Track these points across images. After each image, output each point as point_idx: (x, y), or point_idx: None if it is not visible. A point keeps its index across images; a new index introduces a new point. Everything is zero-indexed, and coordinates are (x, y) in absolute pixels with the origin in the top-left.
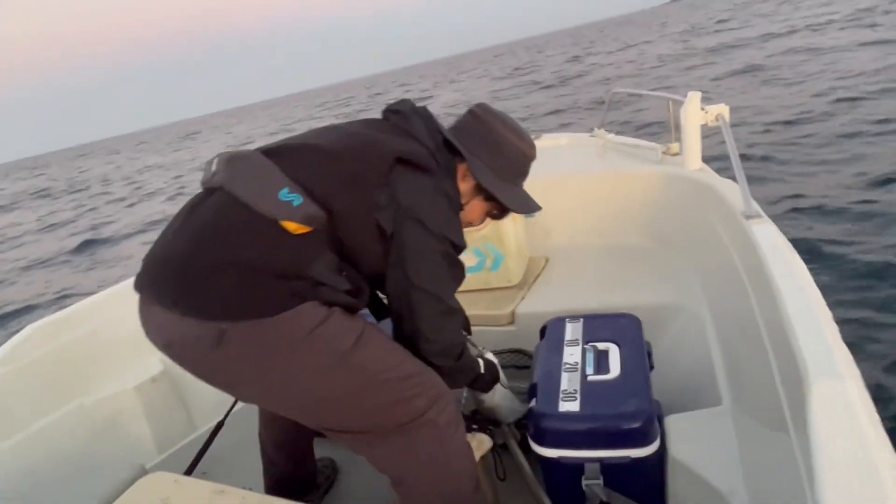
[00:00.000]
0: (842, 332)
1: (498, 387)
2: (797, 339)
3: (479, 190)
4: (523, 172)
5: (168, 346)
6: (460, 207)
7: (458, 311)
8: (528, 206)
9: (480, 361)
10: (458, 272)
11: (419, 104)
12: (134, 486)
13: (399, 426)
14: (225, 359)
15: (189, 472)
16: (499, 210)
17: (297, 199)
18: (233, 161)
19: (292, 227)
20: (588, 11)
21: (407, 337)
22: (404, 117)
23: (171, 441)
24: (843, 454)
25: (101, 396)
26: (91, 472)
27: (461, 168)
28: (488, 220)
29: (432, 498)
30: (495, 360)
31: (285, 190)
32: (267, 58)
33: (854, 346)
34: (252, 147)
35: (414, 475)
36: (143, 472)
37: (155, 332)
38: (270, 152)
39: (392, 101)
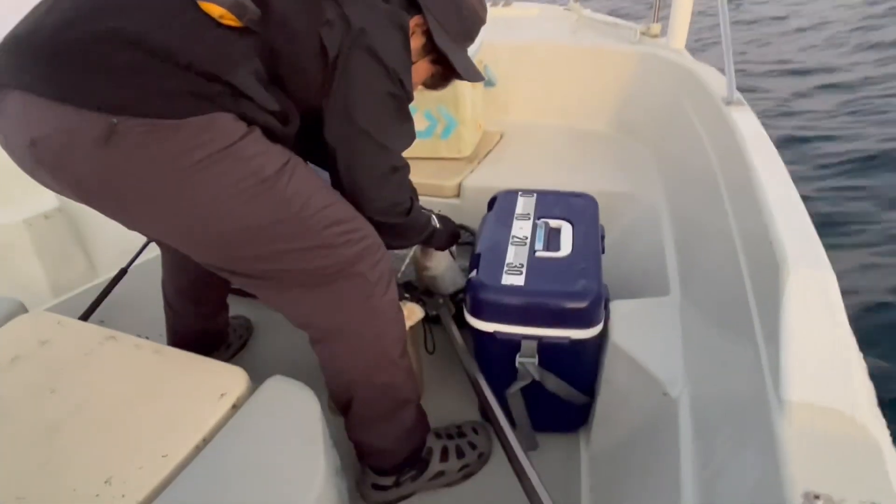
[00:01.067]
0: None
1: (447, 254)
2: (776, 226)
3: (428, 51)
4: (472, 36)
5: (35, 142)
6: (410, 52)
7: (404, 168)
8: (477, 75)
9: (434, 218)
10: (409, 128)
11: None
12: (7, 325)
13: (323, 276)
14: (112, 162)
15: (84, 317)
16: (442, 77)
17: None
18: None
19: (216, 12)
20: None
21: (345, 193)
22: None
23: (67, 287)
24: (815, 344)
25: None
26: None
27: (412, 22)
28: (420, 87)
29: (354, 357)
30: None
31: None
32: None
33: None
34: None
35: (335, 333)
36: (23, 310)
37: (15, 127)
38: None
39: None
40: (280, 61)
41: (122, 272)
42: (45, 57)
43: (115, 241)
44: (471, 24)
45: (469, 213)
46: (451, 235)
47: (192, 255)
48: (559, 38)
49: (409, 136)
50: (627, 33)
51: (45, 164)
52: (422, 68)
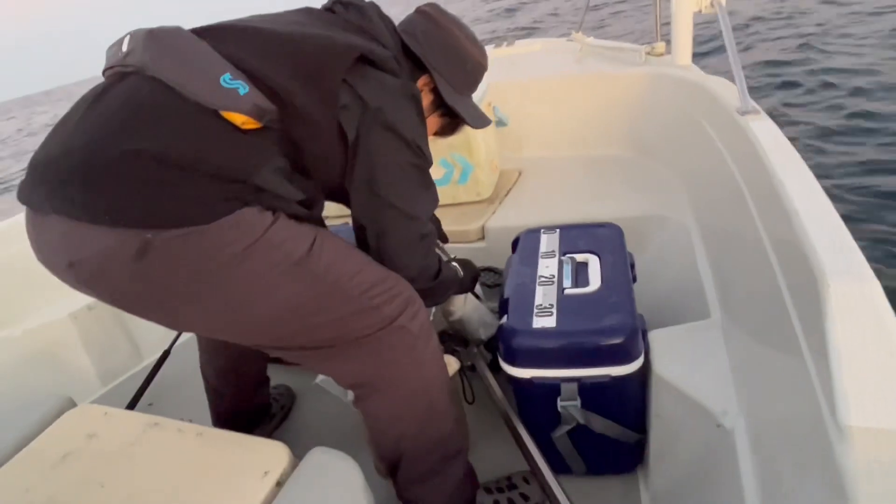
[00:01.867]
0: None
1: (470, 297)
2: (808, 237)
3: (437, 106)
4: (476, 84)
5: (73, 264)
6: (425, 118)
7: (432, 234)
8: (483, 121)
9: (456, 265)
10: (432, 193)
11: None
12: (57, 422)
13: (367, 336)
14: (151, 274)
15: (132, 405)
16: (451, 126)
17: (242, 87)
18: (154, 38)
19: (238, 119)
20: None
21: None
22: (362, 13)
23: (115, 374)
24: (869, 362)
25: (32, 327)
26: (18, 408)
27: (420, 82)
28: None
29: (402, 411)
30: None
31: (227, 75)
32: None
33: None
34: None
35: (383, 386)
36: (72, 405)
37: (53, 250)
38: (201, 32)
39: None
40: (303, 151)
41: (166, 354)
42: (78, 182)
43: (156, 324)
44: (474, 74)
45: (495, 255)
46: (473, 278)
47: (236, 341)
48: (565, 69)
49: (434, 202)
50: (633, 55)
51: (84, 283)
52: (433, 122)
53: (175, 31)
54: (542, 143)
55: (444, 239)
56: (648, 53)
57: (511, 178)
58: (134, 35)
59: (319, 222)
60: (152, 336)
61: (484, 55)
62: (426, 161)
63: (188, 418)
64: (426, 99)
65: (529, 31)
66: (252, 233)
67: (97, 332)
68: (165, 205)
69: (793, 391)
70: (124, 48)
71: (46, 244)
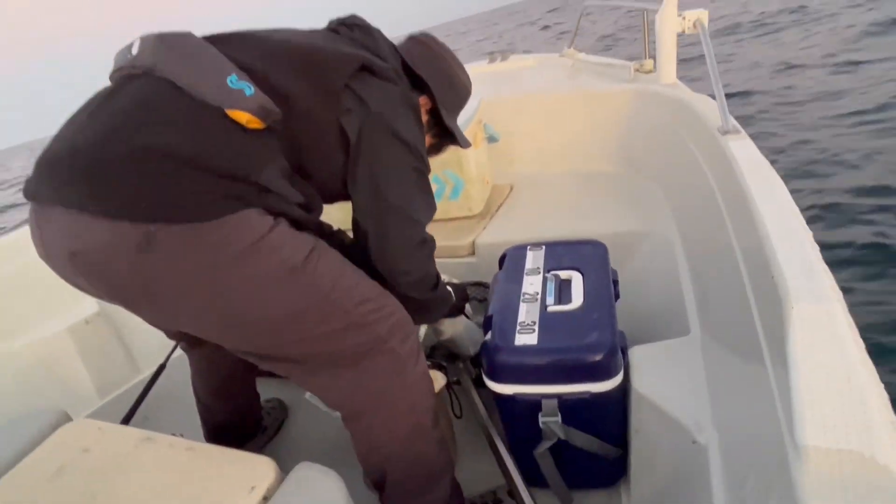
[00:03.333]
0: (823, 255)
1: (461, 316)
2: (776, 258)
3: (430, 126)
4: (462, 107)
5: (76, 254)
6: (423, 127)
7: (432, 241)
8: (467, 142)
9: (449, 288)
10: (432, 199)
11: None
12: (52, 436)
13: (355, 354)
14: (151, 267)
15: (128, 419)
16: (436, 148)
17: (248, 88)
18: (164, 41)
19: (244, 118)
20: None
21: (376, 268)
22: (366, 32)
23: (113, 386)
24: (826, 384)
25: (30, 340)
26: (17, 422)
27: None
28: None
29: (389, 433)
30: (457, 282)
31: (233, 76)
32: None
33: (836, 270)
34: None
35: (370, 409)
36: (67, 419)
37: (55, 241)
38: (211, 39)
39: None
40: (304, 153)
41: (161, 368)
42: (85, 175)
43: (153, 337)
44: (463, 97)
45: (485, 270)
46: (462, 299)
47: (226, 345)
48: (556, 86)
49: (433, 208)
50: (622, 72)
51: (84, 273)
52: (426, 142)
53: (185, 35)
54: (534, 158)
55: (465, 291)
56: (637, 70)
57: (503, 193)
58: (144, 38)
59: (318, 230)
60: (149, 348)
61: (470, 81)
62: (426, 166)
63: (181, 433)
64: (422, 118)
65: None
66: (252, 234)
67: (94, 346)
68: (170, 199)
69: (759, 409)
70: (134, 51)
71: (50, 236)
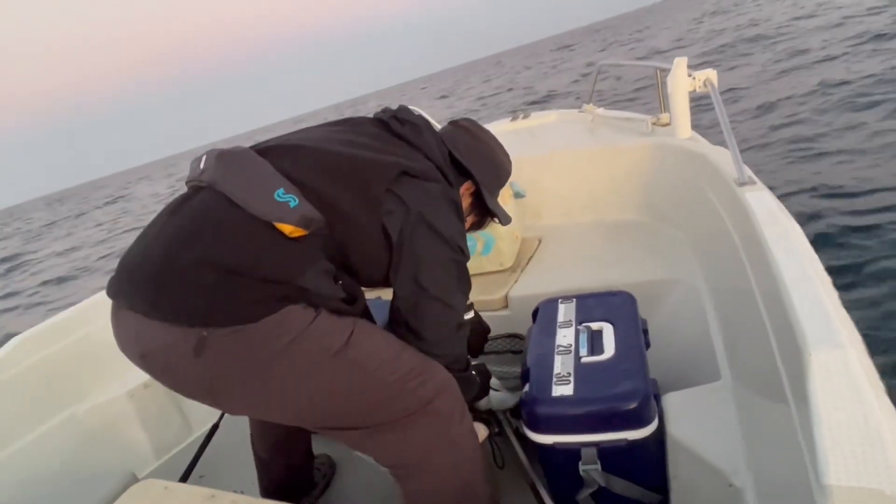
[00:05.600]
0: (842, 298)
1: (491, 392)
2: (794, 307)
3: (474, 207)
4: (502, 186)
5: (145, 355)
6: (464, 218)
7: (467, 325)
8: (508, 219)
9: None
10: (467, 285)
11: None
12: (123, 496)
13: (403, 418)
14: (205, 368)
15: (185, 477)
16: (479, 224)
17: (293, 201)
18: (223, 158)
19: (287, 229)
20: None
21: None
22: (416, 130)
23: (168, 446)
24: (846, 426)
25: (94, 404)
26: (84, 482)
27: (463, 187)
28: None
29: (439, 490)
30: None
31: (280, 190)
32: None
33: (855, 311)
34: None
35: (421, 467)
36: (135, 479)
37: (130, 342)
38: (264, 151)
39: (391, 108)
40: (350, 252)
41: (214, 428)
42: (152, 284)
43: None
44: (503, 179)
45: (518, 322)
46: (487, 379)
47: (281, 423)
48: (578, 141)
49: (468, 292)
50: (640, 125)
51: (152, 371)
52: (469, 222)
53: (241, 153)
54: (560, 210)
55: (488, 330)
56: (654, 123)
57: (532, 246)
58: (209, 155)
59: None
60: (201, 409)
61: (509, 160)
62: (465, 257)
63: (238, 489)
64: (466, 201)
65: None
66: (295, 328)
67: (152, 408)
68: (221, 306)
69: (787, 452)
70: (201, 165)
71: (124, 335)
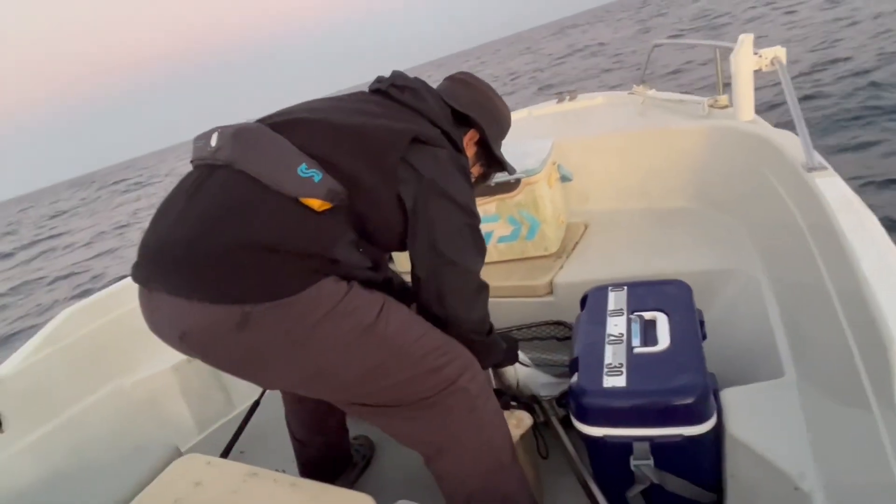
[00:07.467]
0: None
1: (518, 366)
2: (876, 302)
3: (479, 156)
4: (504, 135)
5: (184, 336)
6: (472, 179)
7: (486, 287)
8: (512, 168)
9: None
10: (482, 247)
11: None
12: (167, 469)
13: (430, 397)
14: (249, 342)
15: (226, 452)
16: (484, 176)
17: (316, 175)
18: (240, 136)
19: (315, 204)
20: None
21: (436, 315)
22: (416, 95)
23: (210, 421)
24: None
25: (139, 377)
26: (129, 454)
27: (466, 137)
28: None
29: (469, 470)
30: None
31: (303, 165)
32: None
33: None
34: None
35: (448, 447)
36: (178, 453)
37: (165, 324)
38: (277, 126)
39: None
40: (369, 222)
41: (256, 404)
42: (187, 267)
43: None
44: (505, 127)
45: (563, 309)
46: (513, 347)
47: (313, 396)
48: (628, 123)
49: (484, 254)
50: (695, 108)
51: (193, 350)
52: (475, 172)
53: (256, 130)
54: (608, 195)
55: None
56: (711, 106)
57: (578, 232)
58: (222, 133)
59: (388, 284)
60: (242, 386)
61: (508, 110)
62: (477, 219)
63: (279, 467)
64: (470, 150)
65: None
66: (329, 301)
67: (195, 383)
68: (258, 282)
69: (869, 457)
70: (213, 143)
71: (160, 319)
